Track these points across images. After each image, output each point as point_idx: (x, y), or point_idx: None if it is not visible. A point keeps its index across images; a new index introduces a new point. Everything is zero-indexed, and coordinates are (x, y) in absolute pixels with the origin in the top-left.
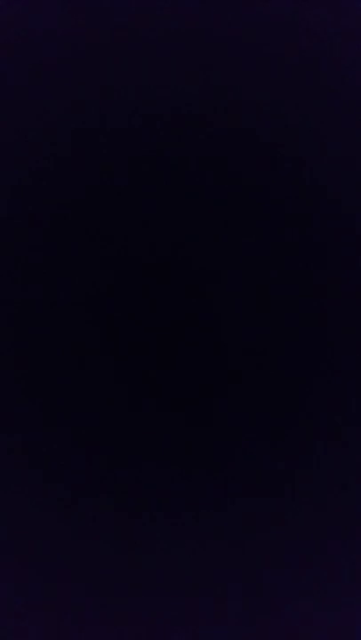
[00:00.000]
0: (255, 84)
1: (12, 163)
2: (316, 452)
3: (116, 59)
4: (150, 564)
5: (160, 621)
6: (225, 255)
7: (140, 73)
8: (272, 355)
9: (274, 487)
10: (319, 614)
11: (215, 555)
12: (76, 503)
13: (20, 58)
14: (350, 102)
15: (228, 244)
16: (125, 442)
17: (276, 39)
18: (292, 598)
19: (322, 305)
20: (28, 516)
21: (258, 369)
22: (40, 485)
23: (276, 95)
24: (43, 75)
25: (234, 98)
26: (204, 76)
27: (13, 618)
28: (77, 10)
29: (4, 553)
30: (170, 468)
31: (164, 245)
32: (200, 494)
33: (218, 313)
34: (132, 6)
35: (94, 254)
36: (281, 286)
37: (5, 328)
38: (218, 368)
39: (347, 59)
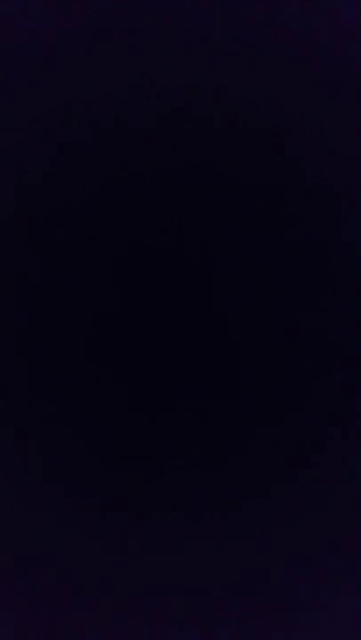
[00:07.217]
0: (255, 83)
1: (10, 162)
2: (316, 452)
3: (116, 59)
4: (150, 563)
5: (160, 621)
6: (225, 255)
7: (140, 73)
8: (272, 355)
9: (275, 487)
10: (319, 614)
11: (215, 555)
12: (76, 503)
13: (19, 58)
14: (350, 102)
15: (227, 243)
16: (125, 442)
17: (277, 39)
18: (292, 598)
19: (322, 304)
20: (28, 516)
21: (258, 369)
22: (40, 485)
23: (276, 95)
24: (43, 75)
25: (234, 98)
26: (205, 76)
27: (13, 618)
28: (77, 10)
29: (4, 553)
30: (170, 468)
31: (164, 245)
32: (200, 494)
33: (217, 313)
34: (132, 6)
35: (94, 253)
36: (281, 286)
37: (6, 328)
38: (218, 368)
39: (347, 59)
